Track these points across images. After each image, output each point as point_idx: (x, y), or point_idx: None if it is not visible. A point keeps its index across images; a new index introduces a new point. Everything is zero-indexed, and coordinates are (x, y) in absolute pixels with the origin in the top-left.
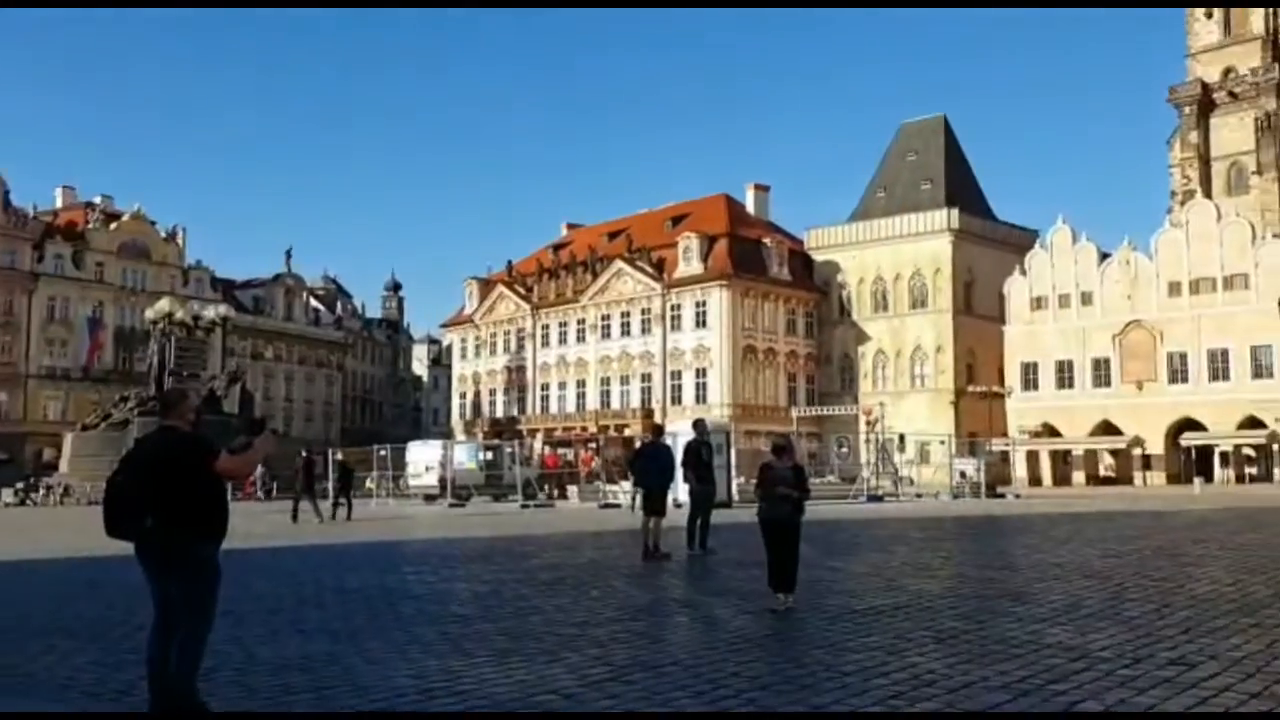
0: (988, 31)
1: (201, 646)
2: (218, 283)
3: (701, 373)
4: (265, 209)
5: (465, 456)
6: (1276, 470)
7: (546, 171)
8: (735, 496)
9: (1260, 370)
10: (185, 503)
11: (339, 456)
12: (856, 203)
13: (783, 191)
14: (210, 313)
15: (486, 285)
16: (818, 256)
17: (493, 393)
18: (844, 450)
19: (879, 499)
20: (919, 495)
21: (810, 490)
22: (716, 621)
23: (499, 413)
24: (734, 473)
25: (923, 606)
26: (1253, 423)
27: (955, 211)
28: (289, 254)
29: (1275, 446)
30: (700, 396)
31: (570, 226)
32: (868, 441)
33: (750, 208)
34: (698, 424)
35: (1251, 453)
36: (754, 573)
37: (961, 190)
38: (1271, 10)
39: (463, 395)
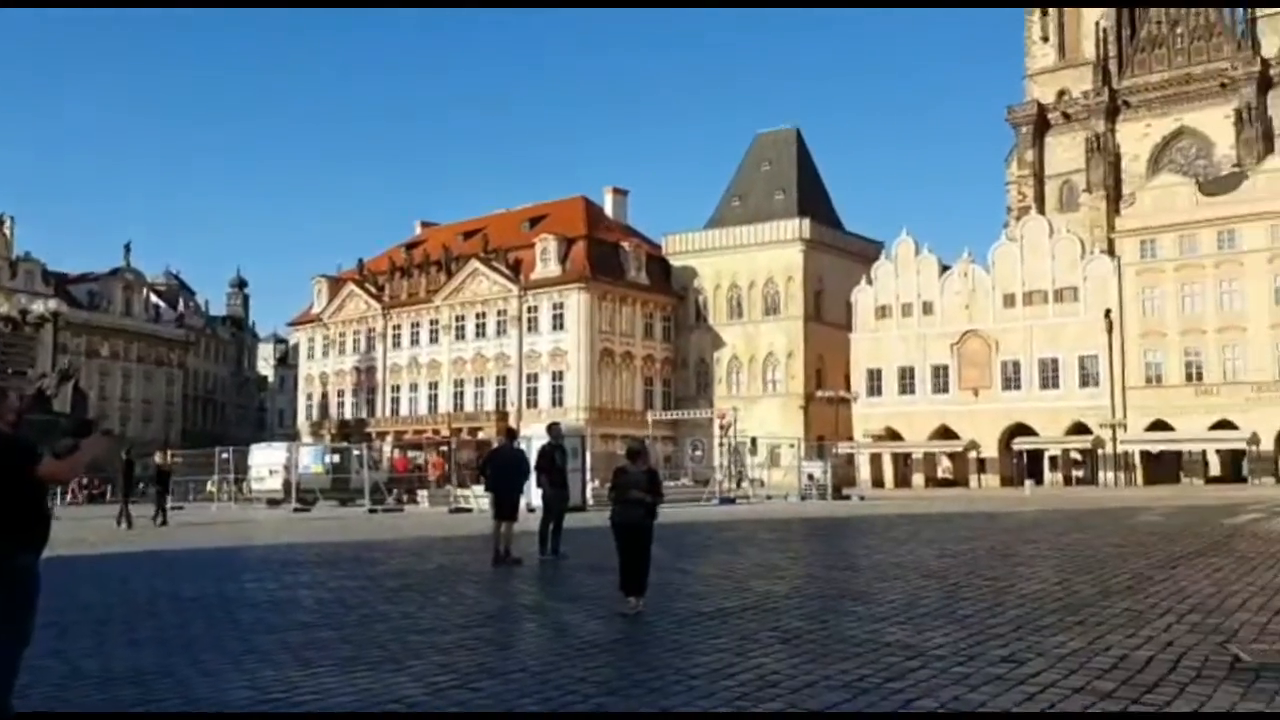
0: (842, 48)
1: (15, 663)
2: (50, 276)
3: (558, 375)
4: (105, 203)
5: (311, 459)
6: (1100, 473)
7: (400, 169)
8: (590, 500)
9: (1087, 379)
10: (2, 510)
11: (157, 459)
12: (713, 210)
13: (641, 196)
14: (39, 307)
15: (336, 283)
16: (675, 262)
17: (341, 394)
18: (698, 453)
19: (731, 501)
20: (769, 497)
21: (664, 494)
22: (566, 627)
23: (347, 414)
24: (589, 476)
25: (769, 607)
26: (1079, 428)
27: (807, 221)
28: (128, 248)
29: (1099, 451)
30: (556, 399)
31: (424, 225)
32: (721, 445)
33: (609, 211)
34: (552, 427)
35: (1078, 457)
36: (606, 577)
37: (813, 201)
38: (1102, 36)
39: (309, 396)
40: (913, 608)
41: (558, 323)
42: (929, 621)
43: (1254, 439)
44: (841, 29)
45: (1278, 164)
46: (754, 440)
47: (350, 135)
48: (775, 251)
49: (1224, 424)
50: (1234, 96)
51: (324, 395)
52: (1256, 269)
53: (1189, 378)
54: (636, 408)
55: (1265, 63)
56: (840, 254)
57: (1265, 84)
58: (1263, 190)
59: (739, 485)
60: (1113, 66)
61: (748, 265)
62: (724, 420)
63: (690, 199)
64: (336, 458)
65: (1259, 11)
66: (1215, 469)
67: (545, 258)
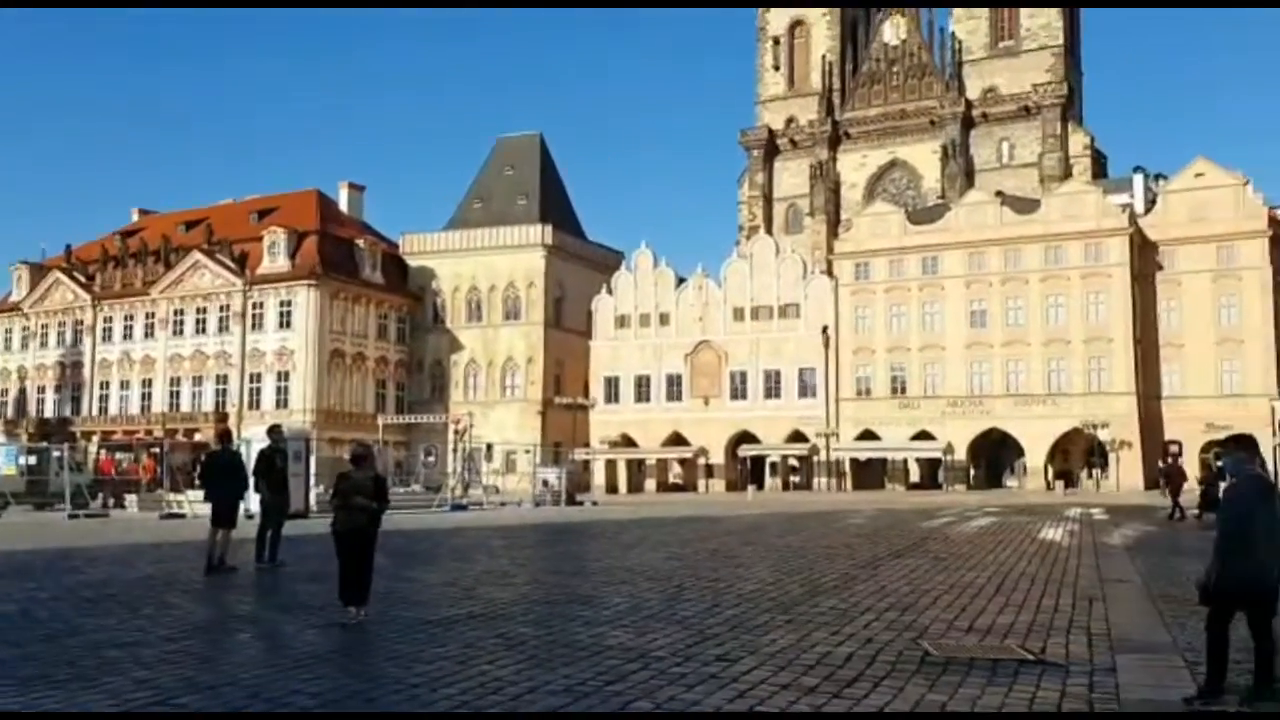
0: (592, 56)
1: None
2: None
3: (284, 376)
4: None
5: (3, 460)
6: (815, 479)
7: (115, 152)
8: (314, 507)
9: (805, 390)
10: None
11: None
12: (454, 211)
13: (379, 194)
14: None
15: (39, 271)
16: (413, 262)
17: (42, 390)
18: (431, 459)
19: (464, 508)
20: (503, 504)
21: (390, 500)
22: (281, 638)
23: (49, 412)
24: (313, 482)
25: (496, 614)
26: (798, 436)
27: (549, 228)
28: None
29: (815, 458)
30: (281, 401)
31: (142, 213)
32: (456, 450)
33: (344, 206)
34: (273, 430)
35: (796, 463)
36: (327, 586)
37: (555, 207)
38: (827, 69)
39: (4, 392)
40: (637, 611)
41: (285, 320)
42: (651, 624)
43: (949, 448)
44: (591, 41)
45: (976, 198)
46: (489, 446)
47: (57, 115)
48: (517, 256)
49: (924, 434)
50: (941, 134)
51: (22, 390)
52: (955, 293)
53: (894, 391)
54: (368, 411)
55: (969, 104)
56: (582, 262)
57: (968, 124)
58: (963, 222)
59: (471, 491)
60: (836, 99)
61: (488, 269)
62: (459, 425)
63: (431, 199)
64: (33, 459)
65: (964, 56)
66: (915, 476)
67: (274, 252)
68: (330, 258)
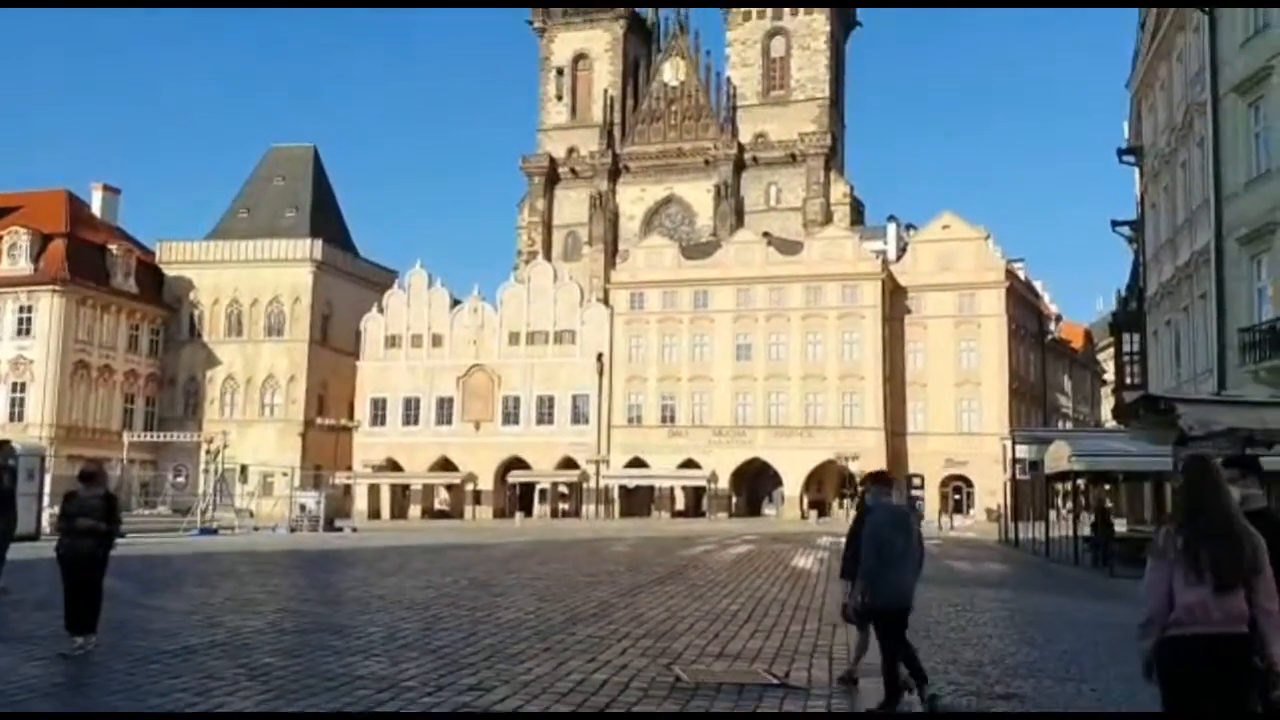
0: (375, 70)
1: None
2: None
3: (20, 387)
4: None
5: None
6: (584, 506)
7: None
8: (46, 529)
9: (578, 416)
10: None
11: None
12: (218, 220)
13: (137, 198)
14: None
15: None
16: (170, 271)
17: None
18: (180, 480)
19: (213, 532)
20: (257, 528)
21: (122, 521)
22: None
23: None
24: (46, 502)
25: (240, 644)
26: (569, 463)
27: (319, 242)
28: None
29: (584, 485)
30: (16, 414)
31: None
32: (207, 471)
33: (97, 210)
34: (1, 445)
35: (565, 490)
36: (54, 614)
37: (326, 222)
38: (609, 103)
39: None
40: (391, 640)
41: (24, 327)
42: (405, 653)
43: (713, 477)
44: (374, 54)
45: (746, 237)
46: (244, 467)
47: None
48: (283, 270)
49: (690, 463)
50: (715, 174)
51: None
52: (724, 327)
53: (664, 419)
54: (114, 427)
55: (741, 148)
56: (352, 279)
57: (740, 166)
58: (732, 259)
59: (222, 514)
60: (617, 132)
61: (252, 282)
62: (212, 445)
63: (195, 207)
64: None
65: (739, 102)
66: (681, 504)
67: (14, 254)
68: (78, 263)
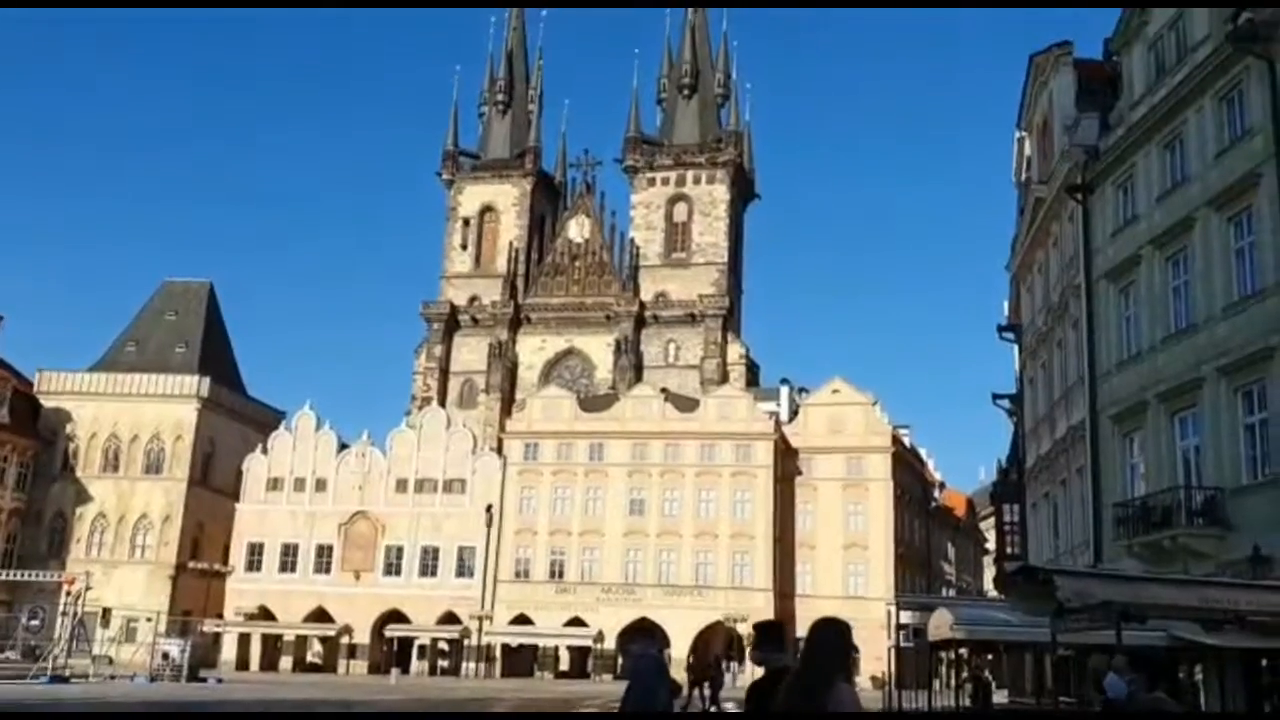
0: (275, 210)
1: None
2: None
3: None
4: None
5: None
6: (464, 663)
7: None
8: None
9: (463, 569)
10: None
11: None
12: (104, 351)
13: (17, 325)
14: None
15: None
16: (47, 402)
17: None
18: (35, 622)
19: (65, 680)
20: (114, 676)
21: None
22: None
23: None
24: None
25: None
26: (450, 618)
27: (207, 380)
28: None
29: (466, 641)
30: None
31: None
32: (65, 614)
33: None
34: None
35: (446, 646)
36: None
37: (216, 360)
38: (513, 255)
39: None
40: None
41: None
42: None
43: (600, 636)
44: (275, 193)
45: (643, 392)
46: (107, 611)
47: None
48: (167, 406)
49: (577, 621)
50: (615, 329)
51: None
52: (618, 481)
53: (552, 575)
54: None
55: (642, 305)
56: (238, 418)
57: (641, 322)
58: (630, 413)
59: (77, 661)
60: (520, 284)
61: (134, 416)
62: (73, 586)
63: (81, 338)
64: None
65: (641, 261)
66: (565, 664)
67: None
68: None
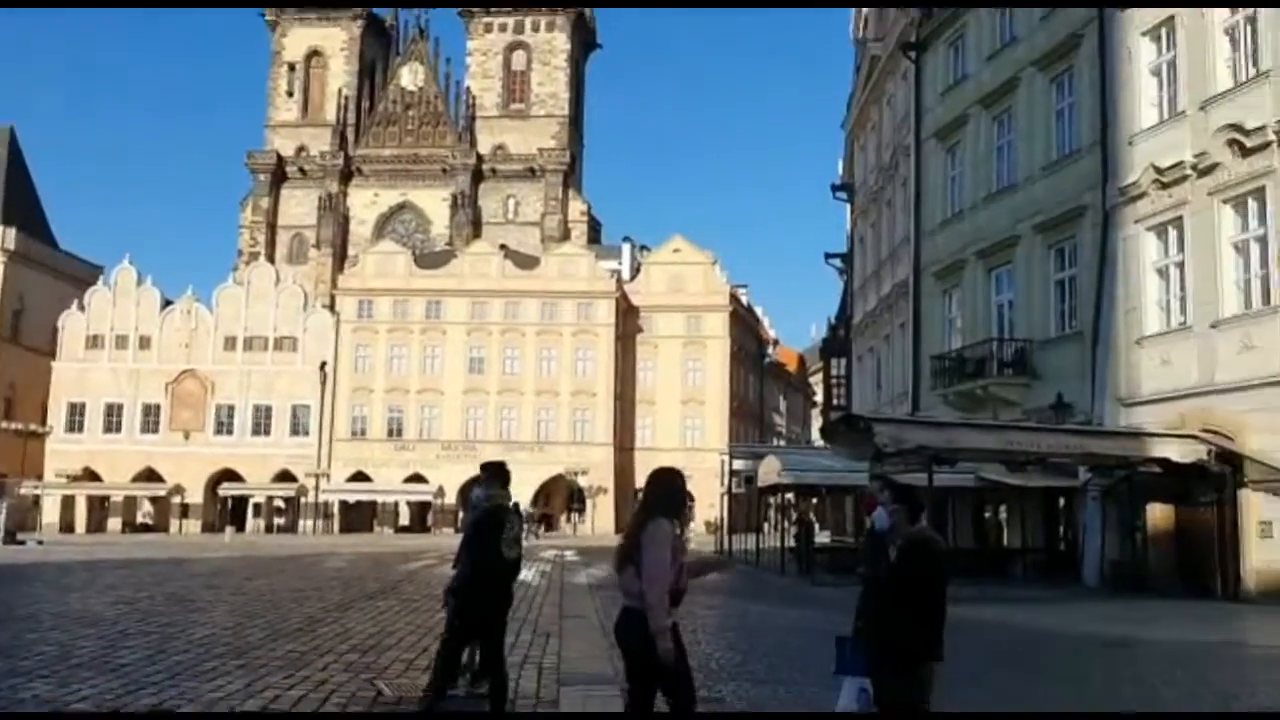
0: (86, 51)
1: None
2: None
3: None
4: None
5: None
6: (301, 521)
7: None
8: None
9: (298, 428)
10: None
11: None
12: None
13: None
14: None
15: None
16: None
17: None
18: None
19: None
20: None
21: None
22: None
23: None
24: None
25: None
26: (286, 476)
27: (11, 230)
28: None
29: (302, 499)
30: None
31: None
32: None
33: None
34: None
35: (282, 504)
36: None
37: (22, 210)
38: (343, 103)
39: None
40: (65, 659)
41: None
42: (80, 673)
43: (440, 492)
44: (86, 34)
45: (482, 249)
46: None
47: None
48: None
49: (417, 477)
50: (452, 182)
51: None
52: (457, 339)
53: (390, 433)
54: None
55: (480, 158)
56: (50, 272)
57: (478, 176)
58: (468, 270)
59: None
60: (351, 134)
61: None
62: None
63: None
64: None
65: (478, 112)
66: (406, 519)
67: None
68: None
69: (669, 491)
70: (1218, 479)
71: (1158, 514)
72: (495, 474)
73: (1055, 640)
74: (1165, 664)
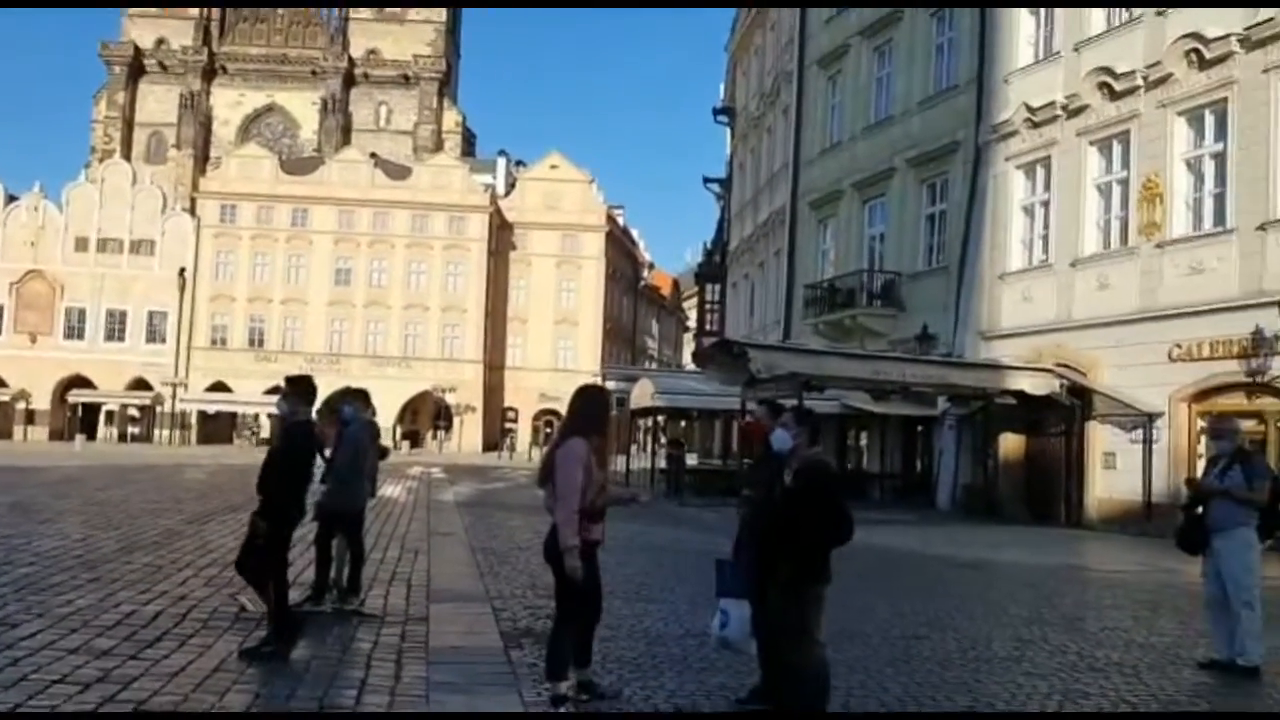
0: None
1: None
2: None
3: None
4: None
5: None
6: (156, 430)
7: None
8: None
9: (154, 335)
10: None
11: None
12: None
13: None
14: None
15: None
16: None
17: None
18: None
19: None
20: None
21: None
22: None
23: None
24: None
25: None
26: (141, 384)
27: None
28: None
29: (158, 408)
30: None
31: None
32: None
33: None
34: None
35: (136, 413)
36: None
37: None
38: None
39: None
40: None
41: None
42: None
43: None
44: None
45: (351, 156)
46: None
47: None
48: None
49: (279, 389)
50: (322, 86)
51: None
52: (323, 249)
53: (252, 343)
54: None
55: (352, 61)
56: None
57: (350, 81)
58: (336, 177)
59: None
60: (215, 29)
61: None
62: None
63: None
64: None
65: (352, 13)
66: (266, 431)
67: None
68: None
69: (589, 411)
70: (1068, 411)
71: (1010, 443)
72: (302, 391)
73: (913, 560)
74: (1014, 584)
